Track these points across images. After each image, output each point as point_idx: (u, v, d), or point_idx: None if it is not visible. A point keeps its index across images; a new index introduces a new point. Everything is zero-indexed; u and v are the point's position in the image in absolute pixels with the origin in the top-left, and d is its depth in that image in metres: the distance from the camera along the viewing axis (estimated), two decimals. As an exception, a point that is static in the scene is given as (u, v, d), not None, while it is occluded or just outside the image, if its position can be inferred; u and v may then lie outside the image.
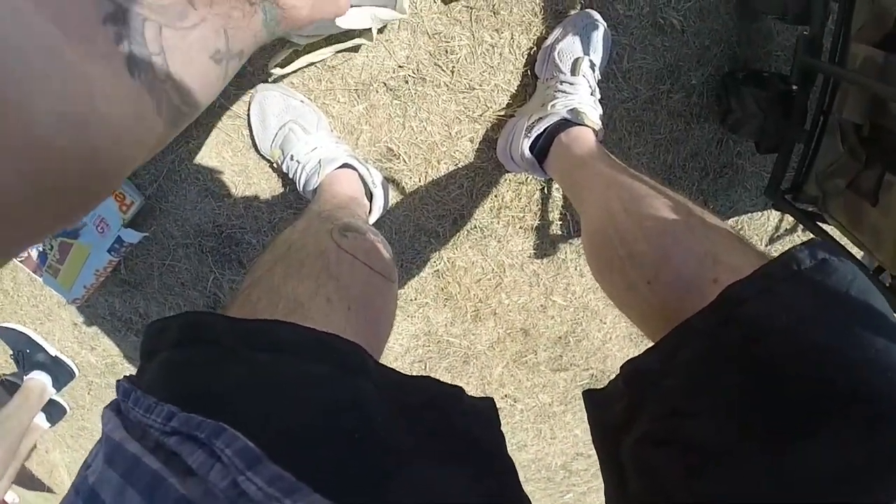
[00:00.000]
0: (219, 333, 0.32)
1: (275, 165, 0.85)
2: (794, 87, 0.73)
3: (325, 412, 0.29)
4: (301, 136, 0.78)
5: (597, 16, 0.79)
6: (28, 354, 1.21)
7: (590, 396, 0.45)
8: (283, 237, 0.50)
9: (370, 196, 0.80)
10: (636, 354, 0.40)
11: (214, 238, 0.93)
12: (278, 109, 0.79)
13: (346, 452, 0.27)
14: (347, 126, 0.85)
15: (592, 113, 0.74)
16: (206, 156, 0.86)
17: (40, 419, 1.27)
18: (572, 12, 0.81)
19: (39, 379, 1.21)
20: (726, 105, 0.83)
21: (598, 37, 0.79)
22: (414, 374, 1.08)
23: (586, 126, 0.73)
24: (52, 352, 1.21)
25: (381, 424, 0.30)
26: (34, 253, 0.98)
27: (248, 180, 0.88)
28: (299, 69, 0.79)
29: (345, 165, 0.78)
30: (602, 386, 0.44)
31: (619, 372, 0.42)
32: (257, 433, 0.26)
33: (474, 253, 0.99)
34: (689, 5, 0.83)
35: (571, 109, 0.73)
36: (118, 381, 0.32)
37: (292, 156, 0.78)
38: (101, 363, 1.19)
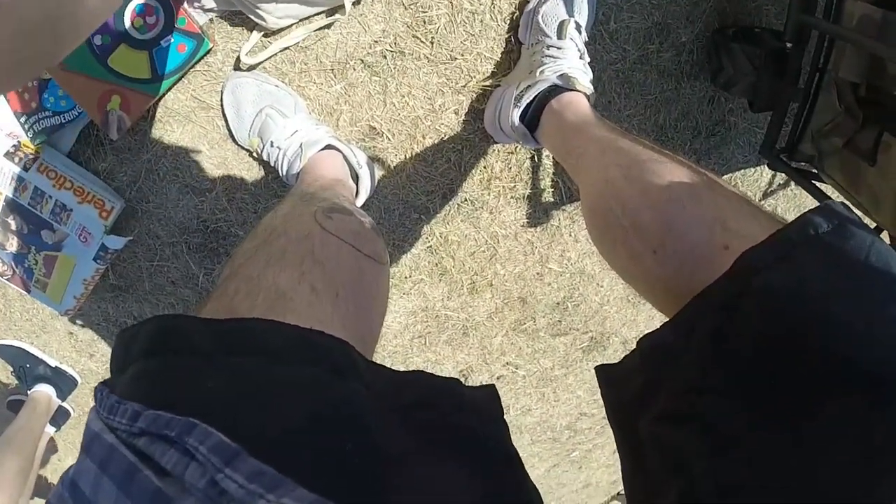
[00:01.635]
0: (192, 338, 0.30)
1: (255, 154, 0.81)
2: (788, 44, 0.71)
3: (310, 418, 0.27)
4: (279, 122, 0.75)
5: None
6: (29, 369, 1.21)
7: (604, 372, 0.44)
8: (264, 223, 0.47)
9: (356, 177, 0.78)
10: (652, 329, 0.39)
11: (200, 234, 0.91)
12: (253, 96, 0.76)
13: (335, 458, 0.26)
14: (326, 107, 0.81)
15: (583, 77, 0.71)
16: (183, 151, 0.82)
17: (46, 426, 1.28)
18: (554, -29, 0.77)
19: (44, 391, 1.21)
20: (717, 63, 0.81)
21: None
22: (415, 350, 1.08)
23: (578, 91, 0.70)
24: (52, 363, 1.21)
25: (373, 427, 0.28)
26: (20, 270, 0.95)
27: (229, 172, 0.85)
28: (273, 55, 0.75)
29: (327, 147, 0.75)
30: (614, 361, 0.43)
31: (634, 347, 0.41)
32: (232, 435, 0.24)
33: (466, 226, 0.97)
34: None
35: (561, 75, 0.70)
36: (96, 385, 0.30)
37: (272, 142, 0.75)
38: (101, 368, 1.18)
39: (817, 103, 0.69)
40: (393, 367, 0.33)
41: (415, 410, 0.32)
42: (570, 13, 0.75)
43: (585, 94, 0.70)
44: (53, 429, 1.28)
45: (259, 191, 0.88)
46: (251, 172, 0.86)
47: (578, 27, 0.75)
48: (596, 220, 0.52)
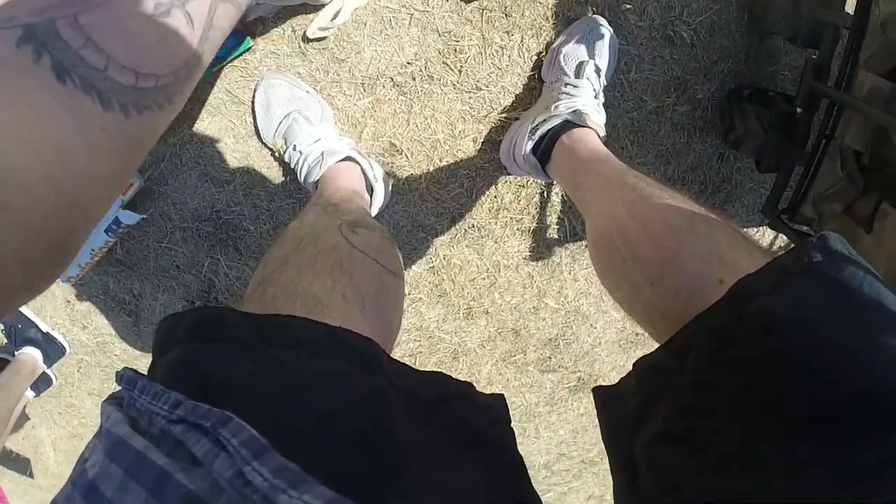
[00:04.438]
0: (233, 329, 0.32)
1: (276, 155, 0.84)
2: (799, 109, 0.74)
3: (337, 409, 0.29)
4: (305, 127, 0.78)
5: (603, 22, 0.79)
6: (20, 330, 1.21)
7: (600, 393, 0.45)
8: (291, 232, 0.50)
9: (371, 190, 0.80)
10: (646, 353, 0.40)
11: (212, 223, 0.93)
12: (283, 99, 0.79)
13: (356, 450, 0.27)
14: (352, 119, 0.85)
15: (595, 115, 0.75)
16: (209, 141, 0.85)
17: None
18: (583, 19, 0.81)
19: (31, 354, 1.20)
20: (729, 121, 0.84)
21: (603, 43, 0.80)
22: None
23: (589, 128, 0.73)
24: (44, 328, 1.20)
25: (397, 422, 0.30)
26: None
27: (249, 168, 0.87)
28: (335, 27, 0.76)
29: (347, 158, 0.78)
30: (607, 384, 0.44)
31: (631, 369, 0.42)
32: (262, 426, 0.25)
33: (470, 252, 0.99)
34: (700, 20, 0.83)
35: (574, 111, 0.74)
36: (120, 372, 0.32)
37: (295, 146, 0.78)
38: (92, 341, 1.18)
39: (821, 168, 0.72)
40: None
41: (434, 407, 0.34)
42: (591, 56, 0.79)
43: (597, 131, 0.73)
44: (33, 394, 1.27)
45: (275, 190, 0.90)
46: (270, 171, 0.89)
47: (598, 70, 0.79)
48: (599, 251, 0.54)
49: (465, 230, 0.96)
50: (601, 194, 0.58)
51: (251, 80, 0.81)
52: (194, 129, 0.85)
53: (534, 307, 1.08)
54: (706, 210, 0.47)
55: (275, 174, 0.89)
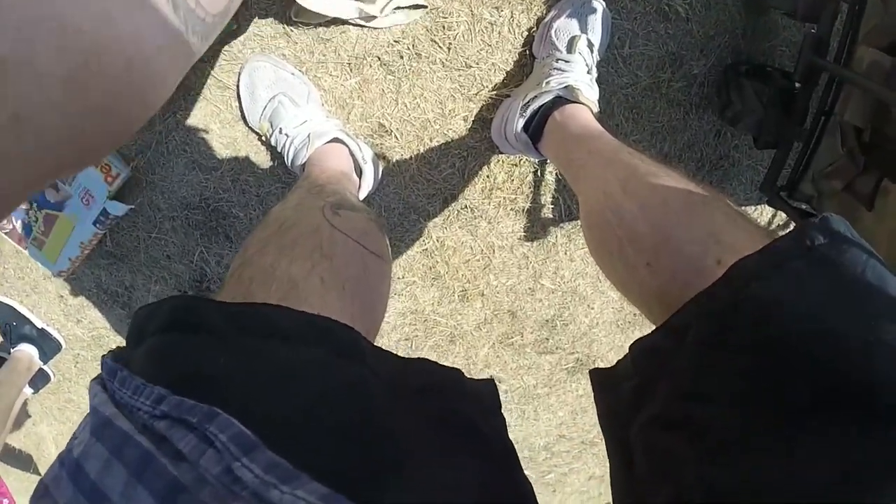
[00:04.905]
0: (208, 318, 0.31)
1: (263, 139, 0.83)
2: (797, 85, 0.72)
3: (321, 399, 0.28)
4: (291, 109, 0.76)
5: None
6: (15, 327, 1.21)
7: (596, 376, 0.44)
8: (274, 214, 0.49)
9: (360, 172, 0.79)
10: (642, 335, 0.39)
11: (201, 211, 0.92)
12: (268, 81, 0.77)
13: (344, 441, 0.27)
14: (339, 100, 0.83)
15: (588, 91, 0.73)
16: (194, 128, 0.84)
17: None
18: (574, -9, 0.79)
19: (26, 351, 1.20)
20: (726, 97, 0.82)
21: (596, 17, 0.77)
22: (401, 352, 1.08)
23: (581, 104, 0.71)
24: (39, 324, 1.21)
25: (379, 411, 0.29)
26: (19, 224, 0.96)
27: (237, 153, 0.86)
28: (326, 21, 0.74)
29: (335, 140, 0.76)
30: (602, 366, 0.44)
31: (627, 352, 0.41)
32: (249, 420, 0.25)
33: (464, 233, 0.98)
34: None
35: (566, 87, 0.72)
36: (103, 356, 0.31)
37: (281, 129, 0.77)
38: (87, 335, 1.18)
39: (821, 145, 0.70)
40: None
41: (421, 396, 0.33)
42: (584, 30, 0.77)
43: (590, 107, 0.71)
44: (31, 391, 1.27)
45: (264, 175, 0.89)
46: (258, 156, 0.87)
47: (590, 45, 0.77)
48: (593, 230, 0.53)
49: (458, 211, 0.95)
50: (595, 172, 0.57)
51: (235, 63, 0.79)
52: (180, 116, 0.83)
53: (530, 288, 1.07)
54: (703, 188, 0.46)
55: (262, 159, 0.87)
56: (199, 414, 0.25)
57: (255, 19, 0.77)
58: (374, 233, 0.50)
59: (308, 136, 0.75)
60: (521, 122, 0.75)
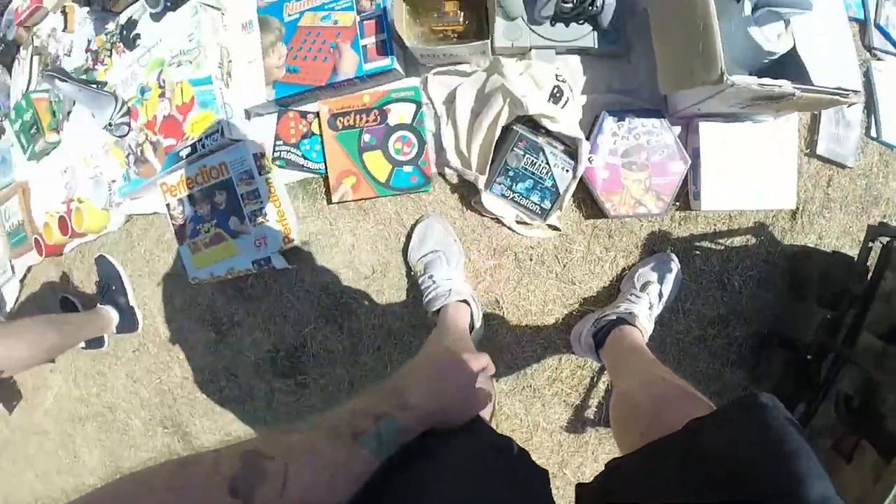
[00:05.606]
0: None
1: (412, 274, 1.08)
2: (809, 357, 0.93)
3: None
4: (443, 266, 1.02)
5: (675, 259, 1.03)
6: (113, 290, 1.36)
7: (579, 488, 0.61)
8: (430, 348, 0.71)
9: (472, 328, 1.01)
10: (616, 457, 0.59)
11: (333, 299, 1.14)
12: (438, 238, 1.04)
13: None
14: (476, 271, 1.08)
15: (645, 321, 0.96)
16: (364, 240, 1.10)
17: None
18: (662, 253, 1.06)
19: (110, 314, 1.34)
20: (756, 359, 1.04)
21: (671, 275, 1.02)
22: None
23: (636, 327, 0.94)
24: (132, 301, 1.36)
25: None
26: (189, 226, 1.16)
27: (385, 274, 1.11)
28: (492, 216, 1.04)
29: (464, 301, 1.00)
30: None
31: (603, 468, 0.59)
32: None
33: (520, 406, 1.16)
34: (750, 273, 1.06)
35: (630, 312, 0.95)
36: None
37: (431, 276, 1.01)
38: (165, 335, 1.34)
39: (820, 408, 0.89)
40: None
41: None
42: (659, 281, 1.01)
43: (642, 332, 0.94)
44: (83, 345, 1.38)
45: (394, 297, 1.12)
46: (398, 284, 1.11)
47: (661, 294, 1.01)
48: (615, 408, 0.76)
49: (523, 387, 1.14)
50: (628, 374, 0.81)
51: (417, 212, 1.07)
52: (358, 226, 1.10)
53: (553, 473, 1.20)
54: (689, 386, 0.66)
55: (401, 287, 1.11)
56: None
57: (447, 190, 1.06)
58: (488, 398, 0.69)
59: (449, 290, 0.99)
60: (591, 331, 0.98)
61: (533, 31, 0.97)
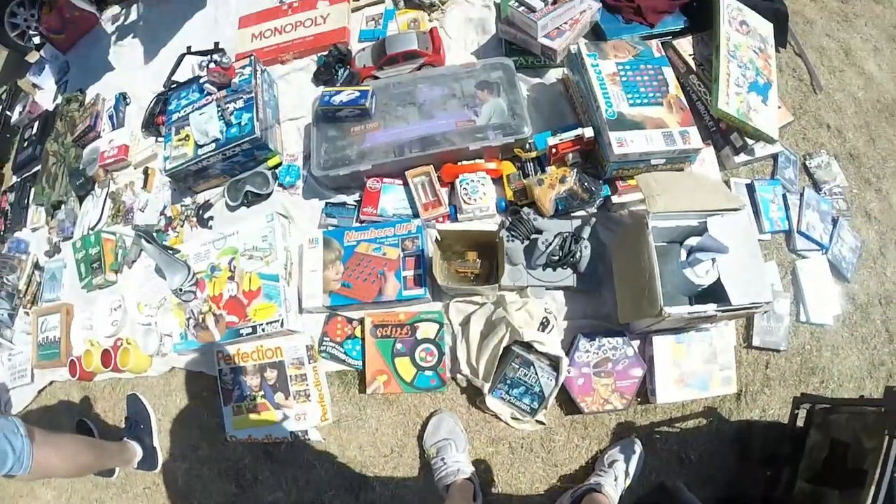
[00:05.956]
0: None
1: (425, 456, 1.31)
2: None
3: None
4: (453, 451, 1.26)
5: (637, 442, 1.28)
6: (141, 430, 1.49)
7: None
8: None
9: (476, 498, 1.23)
10: None
11: (353, 471, 1.35)
12: (448, 428, 1.29)
13: None
14: (478, 455, 1.32)
15: (611, 489, 1.19)
16: (385, 426, 1.34)
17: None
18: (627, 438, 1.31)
19: (136, 449, 1.45)
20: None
21: (635, 456, 1.27)
22: None
23: (603, 495, 1.16)
24: (156, 443, 1.49)
25: None
26: (236, 391, 1.36)
27: (401, 454, 1.34)
28: (492, 413, 1.31)
29: (469, 479, 1.23)
30: None
31: None
32: None
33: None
34: (704, 448, 1.30)
35: (598, 483, 1.19)
36: None
37: (443, 458, 1.25)
38: (182, 480, 1.47)
39: None
40: None
41: None
42: (625, 461, 1.26)
43: (608, 499, 1.16)
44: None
45: (407, 473, 1.33)
46: (412, 462, 1.34)
47: (626, 472, 1.25)
48: None
49: (514, 553, 1.34)
50: None
51: (432, 407, 1.33)
52: (382, 412, 1.34)
53: None
54: None
55: (414, 465, 1.33)
56: None
57: (458, 391, 1.33)
58: None
59: (457, 470, 1.22)
60: (570, 500, 1.20)
61: (530, 274, 1.31)
